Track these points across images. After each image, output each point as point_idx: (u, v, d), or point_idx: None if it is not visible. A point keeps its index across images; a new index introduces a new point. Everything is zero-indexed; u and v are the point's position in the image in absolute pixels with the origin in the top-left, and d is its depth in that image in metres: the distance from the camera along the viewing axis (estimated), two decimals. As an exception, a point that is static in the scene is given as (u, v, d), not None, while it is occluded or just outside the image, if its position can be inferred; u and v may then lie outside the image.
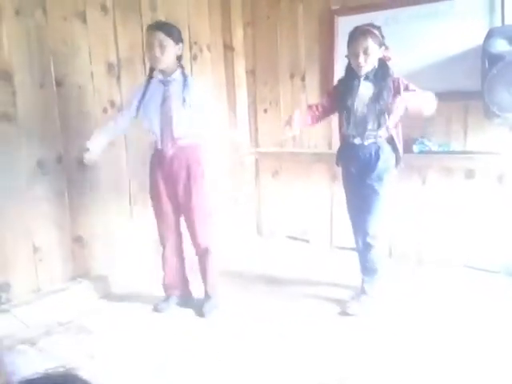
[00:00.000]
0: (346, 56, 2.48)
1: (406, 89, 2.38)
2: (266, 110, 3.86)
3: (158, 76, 2.50)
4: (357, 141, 2.47)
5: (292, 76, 3.67)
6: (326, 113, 2.61)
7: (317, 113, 2.57)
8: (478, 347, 2.15)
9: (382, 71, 2.41)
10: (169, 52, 2.38)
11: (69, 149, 2.81)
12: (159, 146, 2.52)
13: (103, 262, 3.03)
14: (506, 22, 2.74)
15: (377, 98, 2.37)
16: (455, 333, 2.29)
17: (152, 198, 2.65)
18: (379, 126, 2.41)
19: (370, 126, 2.42)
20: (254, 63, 3.85)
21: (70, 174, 2.82)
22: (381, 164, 2.45)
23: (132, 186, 3.16)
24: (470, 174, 2.99)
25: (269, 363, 2.11)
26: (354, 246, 2.69)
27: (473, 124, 2.96)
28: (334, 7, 3.35)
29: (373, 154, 2.45)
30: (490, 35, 2.66)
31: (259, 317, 2.55)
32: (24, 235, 2.61)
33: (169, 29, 2.40)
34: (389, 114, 2.36)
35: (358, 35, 2.36)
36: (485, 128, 2.90)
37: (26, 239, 2.62)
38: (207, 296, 2.68)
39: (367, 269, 2.61)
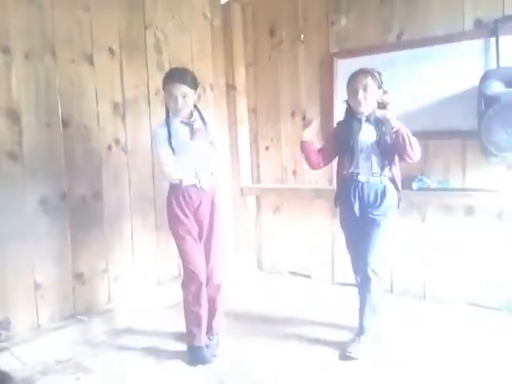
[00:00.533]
0: (345, 101, 2.55)
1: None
2: (267, 147, 3.93)
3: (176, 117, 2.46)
4: (362, 178, 2.50)
5: (293, 114, 3.75)
6: (330, 157, 2.64)
7: (322, 157, 2.61)
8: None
9: (382, 116, 2.46)
10: (190, 102, 2.43)
11: (73, 186, 2.86)
12: (185, 184, 2.46)
13: (104, 298, 3.04)
14: (501, 64, 2.80)
15: (380, 141, 2.44)
16: (458, 372, 2.25)
17: (176, 235, 2.52)
18: (383, 166, 2.47)
19: (374, 167, 2.48)
20: (256, 102, 3.95)
21: (73, 211, 2.86)
22: (386, 201, 2.48)
23: (134, 224, 3.20)
24: (469, 210, 3.01)
25: None
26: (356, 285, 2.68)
27: (471, 162, 2.99)
28: (333, 50, 3.46)
29: (379, 191, 2.48)
30: (486, 77, 2.73)
31: (255, 361, 2.50)
32: (26, 272, 2.64)
33: (190, 80, 2.43)
34: (391, 156, 2.45)
35: (357, 73, 2.45)
36: (483, 166, 2.93)
37: (27, 276, 2.64)
38: (215, 337, 2.61)
39: (367, 306, 2.56)
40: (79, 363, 2.49)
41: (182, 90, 2.38)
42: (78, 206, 2.89)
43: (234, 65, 3.86)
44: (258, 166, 4.01)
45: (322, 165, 2.64)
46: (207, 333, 2.59)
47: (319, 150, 2.61)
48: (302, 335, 2.76)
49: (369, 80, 2.41)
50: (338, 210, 2.70)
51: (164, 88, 2.46)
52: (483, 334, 2.65)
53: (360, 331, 2.57)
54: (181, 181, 2.45)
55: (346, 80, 2.51)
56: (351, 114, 2.53)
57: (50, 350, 2.56)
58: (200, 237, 2.53)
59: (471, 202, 2.96)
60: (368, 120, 2.49)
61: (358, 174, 2.50)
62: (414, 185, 3.07)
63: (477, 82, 2.75)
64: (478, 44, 2.90)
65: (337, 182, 2.68)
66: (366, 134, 2.48)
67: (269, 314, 3.09)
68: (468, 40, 2.92)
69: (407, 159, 2.41)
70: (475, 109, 2.77)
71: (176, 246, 2.54)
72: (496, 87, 2.68)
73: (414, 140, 2.37)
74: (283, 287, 3.62)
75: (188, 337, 2.54)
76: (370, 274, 2.51)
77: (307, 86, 3.65)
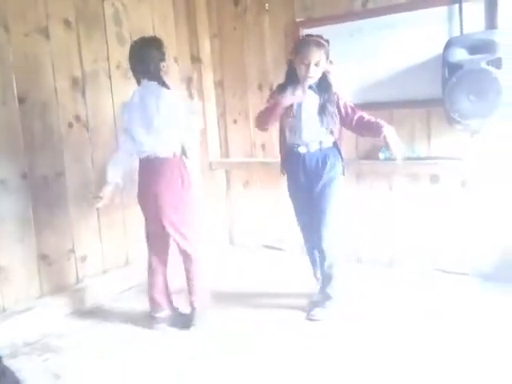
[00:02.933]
0: (290, 60, 2.50)
1: (345, 107, 2.46)
2: (235, 121, 3.88)
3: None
4: (302, 149, 2.49)
5: (260, 87, 3.69)
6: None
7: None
8: (445, 348, 2.18)
9: (324, 83, 2.45)
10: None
11: (34, 165, 2.78)
12: (142, 156, 2.49)
13: (72, 279, 2.99)
14: (465, 32, 2.79)
15: (322, 109, 2.42)
16: (422, 334, 2.32)
17: (141, 206, 2.58)
18: (324, 134, 2.46)
19: (315, 135, 2.46)
20: (222, 74, 3.87)
21: (35, 191, 2.78)
22: (328, 171, 2.47)
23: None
24: (434, 178, 3.05)
25: (240, 375, 2.10)
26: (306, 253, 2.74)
27: (436, 131, 3.02)
28: (298, 19, 3.39)
29: (320, 161, 2.48)
30: (449, 45, 2.73)
31: (231, 330, 2.54)
32: (-13, 255, 2.57)
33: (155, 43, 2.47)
34: (333, 123, 2.44)
35: (312, 45, 2.36)
36: (447, 134, 2.96)
37: (-11, 259, 2.58)
38: (193, 308, 2.62)
39: (327, 275, 2.60)
40: (47, 344, 2.47)
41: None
42: (40, 186, 2.81)
43: (198, 36, 3.75)
44: (227, 140, 3.96)
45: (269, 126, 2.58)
46: (190, 305, 2.60)
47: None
48: (270, 302, 2.81)
49: (321, 55, 2.36)
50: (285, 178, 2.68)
51: None
52: (449, 298, 2.72)
53: (324, 298, 2.61)
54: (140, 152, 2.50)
55: (297, 45, 2.45)
56: (294, 76, 2.45)
57: (17, 332, 2.52)
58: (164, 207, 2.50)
59: (436, 170, 3.00)
60: (310, 87, 2.43)
61: (299, 145, 2.48)
62: (381, 155, 3.09)
63: (441, 50, 2.75)
64: (441, 11, 2.88)
65: (280, 150, 2.66)
66: (310, 101, 2.44)
67: (242, 287, 3.11)
68: (432, 7, 2.90)
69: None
70: (440, 77, 2.78)
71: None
72: (459, 54, 2.69)
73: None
74: (256, 261, 3.63)
75: (149, 304, 2.63)
76: (325, 247, 2.51)
77: (273, 56, 3.58)
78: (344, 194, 2.61)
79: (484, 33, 2.71)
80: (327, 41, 2.42)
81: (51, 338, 2.52)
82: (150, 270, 2.61)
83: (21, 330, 2.53)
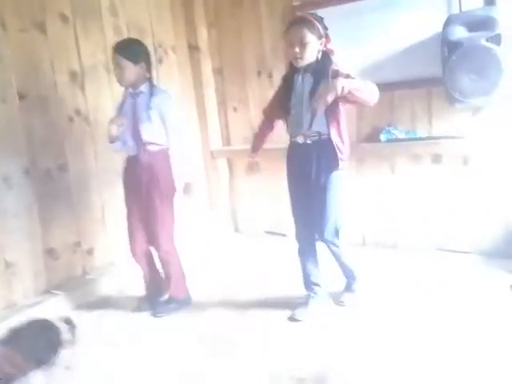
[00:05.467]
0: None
1: (347, 77, 2.14)
2: (235, 109, 3.87)
3: (129, 89, 2.57)
4: (299, 139, 2.33)
5: (259, 73, 3.68)
6: (278, 115, 2.46)
7: (271, 118, 2.54)
8: (454, 327, 2.19)
9: (323, 65, 2.22)
10: (128, 73, 2.48)
11: (36, 161, 2.79)
12: (130, 153, 2.59)
13: (79, 272, 3.03)
14: (464, 9, 2.76)
15: (313, 92, 2.19)
16: (429, 312, 2.33)
17: (125, 202, 2.68)
18: (323, 123, 2.24)
19: (307, 124, 2.26)
20: (221, 62, 3.85)
21: (38, 187, 2.80)
22: (325, 162, 2.29)
23: (103, 195, 3.15)
24: (436, 158, 3.04)
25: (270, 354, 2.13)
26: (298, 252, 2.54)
27: (437, 110, 3.00)
28: (295, 3, 3.36)
29: (317, 152, 2.28)
30: (449, 22, 2.70)
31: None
32: (-5, 251, 2.60)
33: (127, 51, 2.47)
34: (334, 109, 2.21)
35: (295, 24, 2.19)
36: (448, 113, 2.95)
37: (-3, 255, 2.61)
38: (170, 299, 2.72)
39: (345, 269, 2.56)
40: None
41: (118, 60, 2.46)
42: (44, 181, 2.83)
43: (195, 25, 3.73)
44: (227, 128, 3.96)
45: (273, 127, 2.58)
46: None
47: (268, 109, 2.53)
48: (281, 290, 2.81)
49: (305, 32, 2.16)
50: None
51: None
52: (454, 277, 2.73)
53: (350, 281, 2.59)
54: (127, 150, 2.61)
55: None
56: (292, 64, 2.29)
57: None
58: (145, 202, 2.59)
59: (438, 150, 2.98)
60: (308, 71, 2.26)
61: (296, 135, 2.33)
62: (382, 137, 3.08)
63: (440, 28, 2.72)
64: (440, -12, 2.84)
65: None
66: (303, 88, 2.26)
67: (247, 275, 3.12)
68: (430, -16, 2.87)
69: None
70: (439, 56, 2.75)
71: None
72: (459, 32, 2.66)
73: (365, 88, 2.13)
74: (260, 247, 3.65)
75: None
76: (328, 238, 2.38)
77: (271, 42, 3.57)
78: (344, 185, 2.39)
79: (483, 9, 2.68)
80: (318, 18, 2.22)
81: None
82: (137, 262, 2.74)
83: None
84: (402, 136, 3.06)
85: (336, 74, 2.15)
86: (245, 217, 4.01)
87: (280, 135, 3.58)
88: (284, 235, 3.75)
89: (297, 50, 2.18)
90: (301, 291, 2.57)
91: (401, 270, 2.91)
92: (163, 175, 2.54)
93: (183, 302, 2.72)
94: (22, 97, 2.72)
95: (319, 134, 2.27)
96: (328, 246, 2.44)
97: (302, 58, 2.21)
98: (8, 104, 2.66)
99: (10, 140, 2.67)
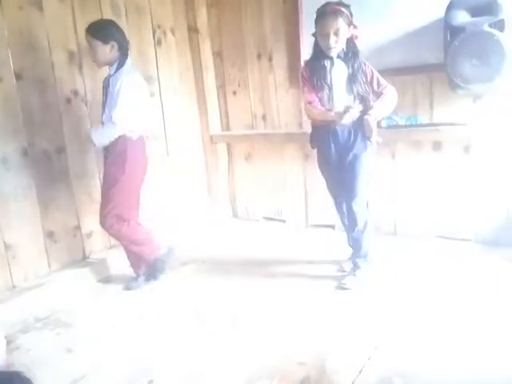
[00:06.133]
0: (313, 34, 2.45)
1: (371, 79, 2.44)
2: (235, 93, 3.83)
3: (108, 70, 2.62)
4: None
5: (259, 56, 3.63)
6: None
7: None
8: (457, 311, 2.22)
9: (352, 51, 2.42)
10: (99, 53, 2.53)
11: (34, 142, 2.76)
12: None
13: (79, 255, 3.01)
14: (467, -7, 2.74)
15: (352, 79, 2.40)
16: (434, 304, 2.33)
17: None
18: (355, 104, 2.41)
19: (347, 106, 2.39)
20: (221, 45, 3.80)
21: (36, 168, 2.77)
22: (359, 141, 2.47)
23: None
24: (437, 145, 3.04)
25: (270, 336, 2.14)
26: (339, 219, 2.75)
27: (438, 96, 2.99)
28: (297, -15, 3.31)
29: (352, 132, 2.46)
30: (451, 7, 2.67)
31: (250, 298, 2.57)
32: (-7, 233, 2.57)
33: (97, 31, 2.52)
34: (365, 99, 2.42)
35: (328, 15, 2.32)
36: (450, 100, 2.94)
37: (-4, 237, 2.58)
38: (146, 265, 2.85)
39: (356, 243, 2.64)
40: (58, 319, 2.50)
41: (88, 39, 2.53)
42: (42, 162, 2.80)
43: (194, 6, 3.67)
44: (227, 112, 3.92)
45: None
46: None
47: (314, 101, 2.49)
48: (293, 272, 2.83)
49: (340, 22, 2.31)
50: (314, 151, 2.68)
51: None
52: (453, 264, 2.75)
53: (354, 267, 2.65)
54: None
55: (315, 16, 2.39)
56: (320, 50, 2.43)
57: (28, 308, 2.54)
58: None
59: (439, 137, 2.97)
60: (339, 57, 2.42)
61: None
62: (383, 122, 3.06)
63: (442, 13, 2.70)
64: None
65: (311, 123, 2.63)
66: (338, 71, 2.43)
67: (245, 258, 3.13)
68: (433, -32, 2.83)
69: None
70: (441, 41, 2.74)
71: None
72: (461, 17, 2.64)
73: (390, 108, 2.45)
74: (258, 232, 3.65)
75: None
76: (357, 216, 2.55)
77: (272, 25, 3.52)
78: (373, 162, 2.61)
79: (487, -6, 2.66)
80: (347, 6, 2.36)
81: (62, 314, 2.54)
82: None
83: (32, 307, 2.54)
84: (402, 122, 3.05)
85: (371, 76, 2.44)
86: (243, 202, 4.00)
87: (279, 122, 3.61)
88: (283, 221, 3.75)
89: (332, 41, 2.33)
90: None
91: (400, 257, 2.92)
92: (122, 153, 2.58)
93: (161, 261, 2.81)
94: (19, 76, 2.67)
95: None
96: (351, 223, 2.60)
97: (335, 47, 2.36)
98: (5, 83, 2.61)
99: (7, 120, 2.63)
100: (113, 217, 2.60)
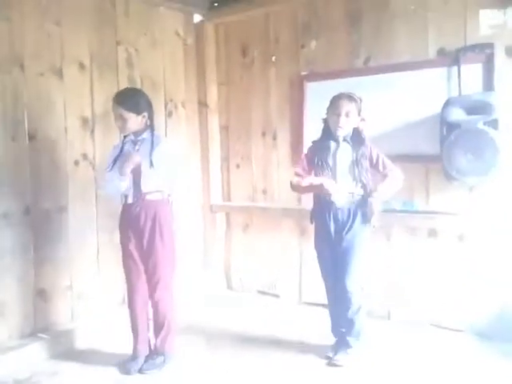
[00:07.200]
0: (324, 119, 2.62)
1: (377, 161, 2.57)
2: (238, 165, 3.96)
3: (130, 136, 2.59)
4: (334, 200, 2.54)
5: (264, 134, 3.79)
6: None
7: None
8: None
9: (357, 138, 2.57)
10: (130, 123, 2.52)
11: (37, 200, 2.81)
12: (129, 201, 2.57)
13: (67, 316, 2.97)
14: (463, 92, 2.90)
15: (357, 162, 2.53)
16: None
17: (122, 251, 2.63)
18: (356, 186, 2.54)
19: (349, 187, 2.54)
20: (228, 120, 3.98)
21: (36, 226, 2.80)
22: (358, 222, 2.55)
23: (100, 240, 3.15)
24: (432, 232, 3.09)
25: None
26: (327, 303, 2.76)
27: (434, 185, 3.07)
28: (303, 73, 3.53)
29: (351, 212, 2.55)
30: (448, 104, 2.83)
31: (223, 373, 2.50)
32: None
33: (129, 104, 2.50)
34: (366, 178, 2.54)
35: (343, 97, 2.52)
36: (445, 189, 3.02)
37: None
38: (157, 352, 2.62)
39: (349, 322, 2.62)
40: (39, 383, 2.42)
41: (119, 111, 2.50)
42: (42, 221, 2.84)
43: (206, 83, 3.90)
44: (229, 183, 4.02)
45: None
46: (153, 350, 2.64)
47: (301, 172, 2.61)
48: (278, 349, 2.79)
49: (352, 106, 2.50)
50: (312, 226, 2.74)
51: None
52: (445, 355, 2.69)
53: (345, 346, 2.63)
54: (125, 197, 2.58)
55: (330, 101, 2.57)
56: (328, 133, 2.59)
57: (9, 369, 2.48)
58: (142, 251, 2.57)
59: (434, 225, 3.03)
60: (345, 140, 2.57)
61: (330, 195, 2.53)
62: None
63: (439, 109, 2.85)
64: (441, 72, 2.99)
65: (313, 200, 2.70)
66: (344, 154, 2.56)
67: (237, 334, 3.07)
68: (432, 68, 3.02)
69: None
70: (438, 134, 2.87)
71: None
72: (457, 114, 2.79)
73: (393, 191, 2.60)
74: (251, 307, 3.60)
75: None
76: (351, 296, 2.56)
77: (278, 106, 3.70)
78: (369, 244, 2.68)
79: (481, 94, 2.81)
80: (359, 98, 2.55)
81: (42, 377, 2.47)
82: (134, 314, 2.62)
83: (12, 367, 2.49)
84: (399, 206, 3.12)
85: (372, 156, 2.58)
86: (238, 273, 3.99)
87: (279, 196, 3.70)
88: (276, 296, 3.72)
89: (342, 120, 2.49)
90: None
91: (392, 343, 2.87)
92: (163, 222, 2.54)
93: (167, 358, 2.62)
94: (32, 137, 2.78)
95: (352, 194, 2.54)
96: (345, 302, 2.58)
97: (343, 128, 2.51)
98: (18, 142, 2.73)
99: (15, 177, 2.71)
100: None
